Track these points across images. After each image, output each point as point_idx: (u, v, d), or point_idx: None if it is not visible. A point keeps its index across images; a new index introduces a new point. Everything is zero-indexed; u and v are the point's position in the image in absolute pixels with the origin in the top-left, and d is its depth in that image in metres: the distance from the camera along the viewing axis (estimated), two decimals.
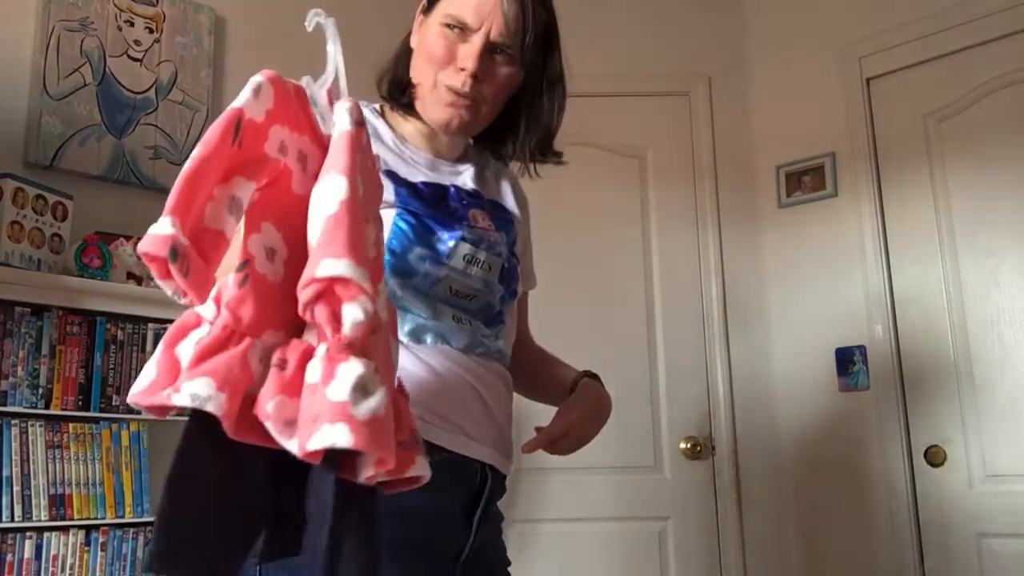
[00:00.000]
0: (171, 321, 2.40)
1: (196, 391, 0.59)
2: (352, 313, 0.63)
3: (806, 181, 2.92)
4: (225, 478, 0.65)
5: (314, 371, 0.62)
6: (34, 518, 1.86)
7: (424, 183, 1.13)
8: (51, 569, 1.87)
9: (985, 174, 2.56)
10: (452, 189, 1.15)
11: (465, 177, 1.19)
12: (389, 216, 1.04)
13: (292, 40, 2.79)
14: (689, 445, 2.86)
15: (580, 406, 1.18)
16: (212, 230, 0.66)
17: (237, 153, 0.66)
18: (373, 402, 0.61)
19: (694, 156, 3.09)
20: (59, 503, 1.90)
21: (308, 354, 0.64)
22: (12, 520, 1.83)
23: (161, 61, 2.43)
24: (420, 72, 1.13)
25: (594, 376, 1.26)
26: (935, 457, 2.54)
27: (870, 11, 2.84)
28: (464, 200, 1.15)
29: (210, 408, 0.59)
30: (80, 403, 1.97)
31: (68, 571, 1.90)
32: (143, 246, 0.63)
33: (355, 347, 0.63)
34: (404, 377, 0.93)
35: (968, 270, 2.56)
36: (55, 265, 2.01)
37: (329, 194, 0.66)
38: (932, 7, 2.69)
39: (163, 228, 0.63)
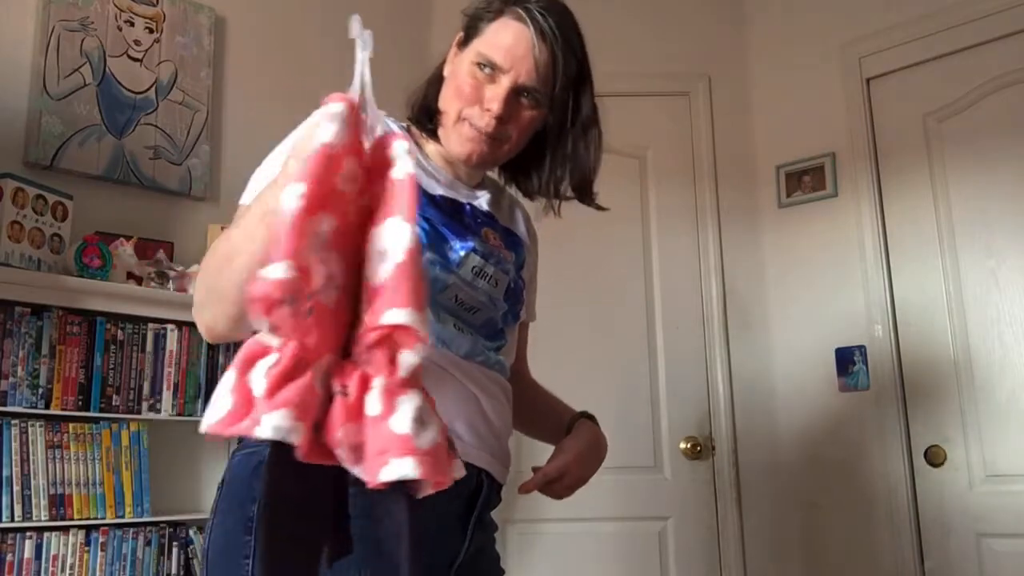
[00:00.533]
0: (171, 321, 2.40)
1: (278, 423, 0.62)
2: (409, 359, 0.68)
3: (806, 181, 2.92)
4: (305, 497, 0.71)
5: (374, 404, 0.67)
6: (34, 518, 1.86)
7: (442, 196, 1.15)
8: (51, 569, 1.87)
9: (985, 174, 2.56)
10: (468, 207, 1.17)
11: (481, 201, 1.21)
12: None
13: (292, 40, 2.81)
14: (689, 445, 2.86)
15: (577, 447, 1.20)
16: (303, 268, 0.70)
17: (324, 188, 0.69)
18: (432, 432, 0.67)
19: (694, 156, 3.08)
20: (59, 503, 1.90)
21: (365, 381, 0.68)
22: (12, 520, 1.83)
23: (161, 61, 2.43)
24: (447, 103, 1.15)
25: (590, 417, 1.28)
26: (935, 457, 2.54)
27: (870, 11, 2.83)
28: (479, 219, 1.17)
29: (293, 439, 0.63)
30: (80, 403, 1.97)
31: (68, 571, 1.90)
32: (257, 290, 0.64)
33: (410, 383, 0.68)
34: None
35: (968, 270, 2.56)
36: (55, 265, 2.01)
37: (396, 242, 0.69)
38: (932, 7, 2.69)
39: (279, 272, 0.65)
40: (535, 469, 1.18)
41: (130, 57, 2.37)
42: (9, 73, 2.15)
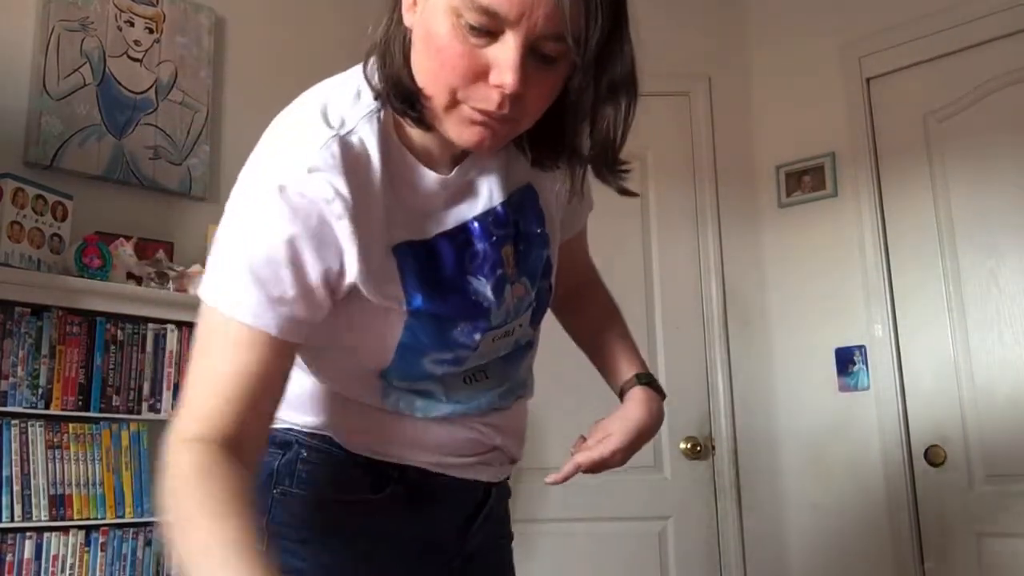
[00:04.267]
0: (171, 321, 2.39)
1: None
2: None
3: (806, 181, 2.92)
4: None
5: None
6: (34, 518, 1.86)
7: (444, 236, 0.90)
8: (51, 569, 1.87)
9: (985, 174, 2.56)
10: (476, 227, 0.92)
11: (490, 187, 0.94)
12: (399, 321, 0.88)
13: (292, 40, 2.80)
14: (689, 445, 2.86)
15: (620, 435, 1.05)
16: None
17: None
18: None
19: (694, 156, 3.08)
20: (59, 503, 1.90)
21: None
22: (12, 520, 1.83)
23: (161, 61, 2.43)
24: (430, 82, 0.80)
25: (650, 380, 1.12)
26: (935, 457, 2.54)
27: (870, 11, 2.83)
28: (492, 236, 0.92)
29: None
30: (80, 403, 1.97)
31: (68, 571, 1.90)
32: None
33: None
34: (411, 436, 0.94)
35: (968, 270, 2.56)
36: (55, 265, 2.01)
37: None
38: (932, 7, 2.69)
39: None
40: (582, 440, 1.07)
41: (130, 57, 2.37)
42: (9, 73, 2.15)
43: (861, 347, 2.71)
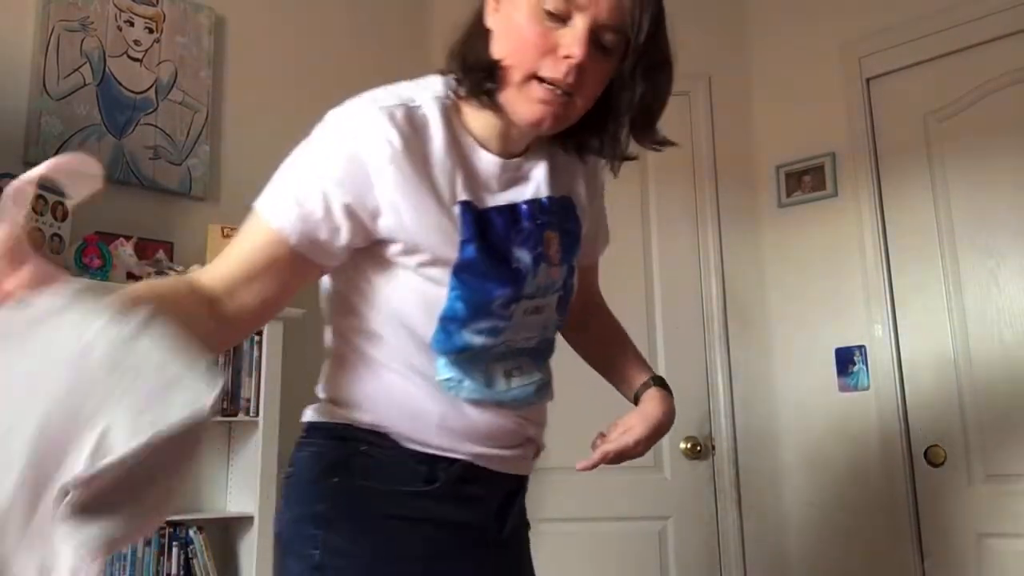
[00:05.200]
0: None
1: None
2: None
3: (806, 181, 2.92)
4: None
5: None
6: None
7: (496, 209, 1.04)
8: None
9: (985, 174, 2.56)
10: (525, 208, 1.06)
11: (538, 181, 1.09)
12: (444, 282, 1.01)
13: (292, 40, 2.80)
14: (689, 445, 2.86)
15: (642, 427, 1.17)
16: None
17: None
18: None
19: (694, 156, 3.08)
20: None
21: None
22: None
23: (161, 61, 2.43)
24: (509, 59, 0.98)
25: (661, 382, 1.25)
26: (935, 457, 2.54)
27: (870, 11, 2.83)
28: (538, 219, 1.06)
29: None
30: None
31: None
32: None
33: None
34: (462, 425, 1.05)
35: (968, 270, 2.56)
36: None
37: None
38: (932, 7, 2.69)
39: None
40: (602, 436, 1.19)
41: (130, 57, 2.37)
42: (9, 73, 2.15)
43: (861, 347, 2.71)
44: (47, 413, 0.64)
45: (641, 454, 1.18)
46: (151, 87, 2.40)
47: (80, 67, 2.26)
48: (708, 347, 2.94)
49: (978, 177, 2.58)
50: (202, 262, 2.30)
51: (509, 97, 0.99)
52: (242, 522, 2.25)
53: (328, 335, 1.12)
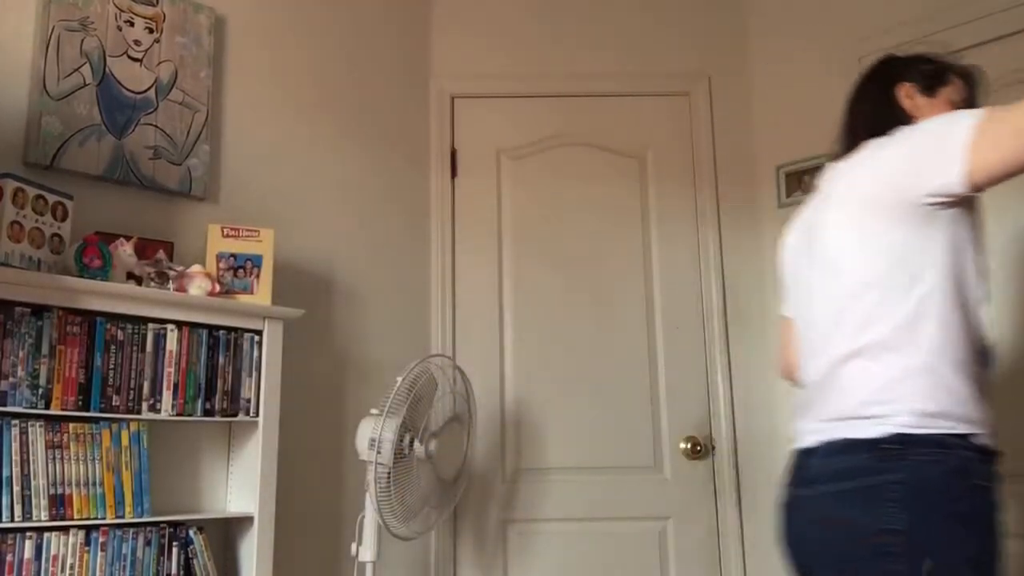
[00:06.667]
0: (171, 321, 2.39)
1: None
2: None
3: (806, 181, 2.92)
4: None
5: None
6: (34, 518, 1.86)
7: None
8: (51, 569, 1.87)
9: None
10: None
11: None
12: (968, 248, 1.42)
13: (292, 40, 2.81)
14: (689, 445, 2.86)
15: None
16: None
17: None
18: None
19: (694, 156, 3.09)
20: (59, 503, 1.90)
21: None
22: (12, 520, 1.83)
23: (161, 61, 2.43)
24: None
25: None
26: None
27: (870, 10, 2.84)
28: None
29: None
30: (80, 403, 1.97)
31: (68, 571, 1.90)
32: None
33: None
34: (994, 426, 1.39)
35: None
36: (55, 265, 2.01)
37: None
38: (932, 7, 2.69)
39: None
40: None
41: (130, 57, 2.37)
42: (9, 73, 2.15)
43: None
44: None
45: None
46: (151, 87, 2.40)
47: (80, 67, 2.26)
48: (708, 347, 2.94)
49: None
50: (202, 262, 2.30)
51: None
52: (242, 522, 2.25)
53: None
